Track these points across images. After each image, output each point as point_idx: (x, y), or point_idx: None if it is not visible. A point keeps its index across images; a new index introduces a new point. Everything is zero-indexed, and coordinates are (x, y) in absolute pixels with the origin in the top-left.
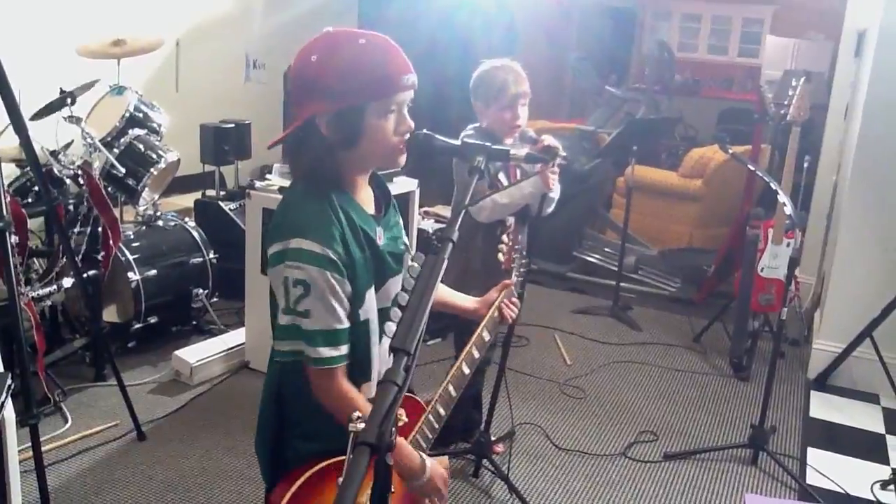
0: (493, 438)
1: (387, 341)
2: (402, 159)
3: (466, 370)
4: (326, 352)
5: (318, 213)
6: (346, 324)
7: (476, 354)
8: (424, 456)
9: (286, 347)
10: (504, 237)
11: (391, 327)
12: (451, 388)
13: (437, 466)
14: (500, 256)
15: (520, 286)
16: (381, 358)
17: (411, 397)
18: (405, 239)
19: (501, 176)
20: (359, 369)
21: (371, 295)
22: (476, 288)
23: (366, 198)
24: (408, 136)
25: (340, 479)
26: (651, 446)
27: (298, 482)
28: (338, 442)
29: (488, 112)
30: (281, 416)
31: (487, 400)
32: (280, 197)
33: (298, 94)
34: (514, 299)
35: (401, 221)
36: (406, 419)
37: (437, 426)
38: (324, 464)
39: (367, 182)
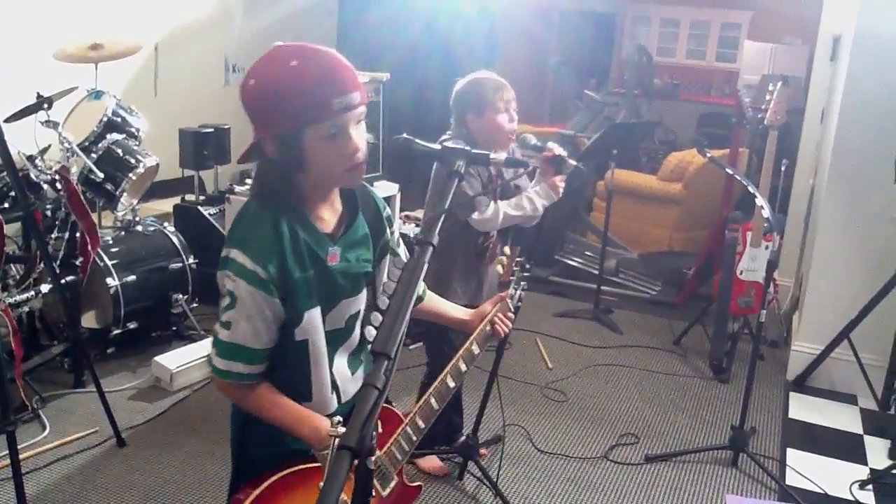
0: (479, 442)
1: (342, 361)
2: (357, 179)
3: (451, 383)
4: (223, 364)
5: (258, 230)
6: (263, 345)
7: (463, 368)
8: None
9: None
10: (506, 248)
11: (371, 331)
12: (433, 400)
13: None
14: (499, 268)
15: (517, 300)
16: (340, 376)
17: (388, 408)
18: (397, 244)
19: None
20: (294, 390)
21: (313, 316)
22: (454, 294)
23: (328, 215)
24: (358, 156)
25: (321, 484)
26: (632, 449)
27: (262, 486)
28: (301, 443)
29: (481, 121)
30: (245, 418)
31: (468, 403)
32: None
33: (248, 116)
34: (508, 314)
35: (386, 233)
36: (380, 429)
37: (415, 439)
38: (290, 470)
39: (333, 199)
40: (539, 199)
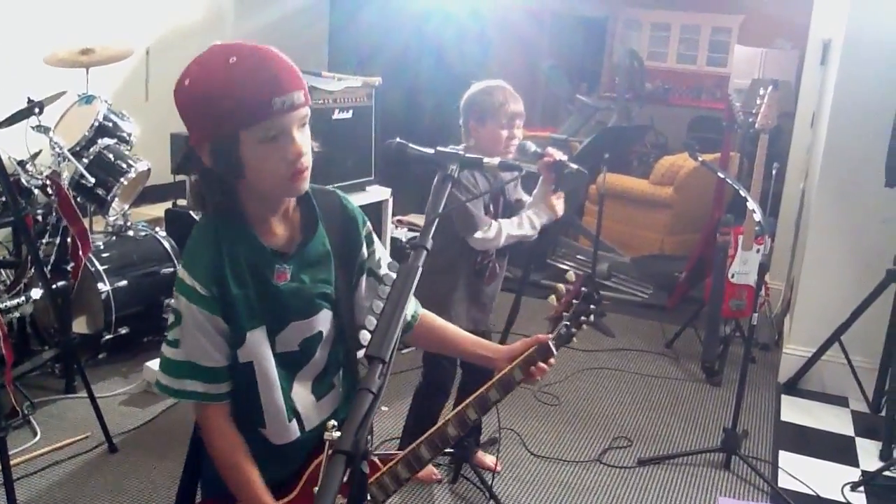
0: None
1: (304, 386)
2: (300, 187)
3: (452, 432)
4: (175, 383)
5: (200, 248)
6: (216, 363)
7: (473, 416)
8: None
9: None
10: (570, 274)
11: (365, 335)
12: (424, 450)
13: None
14: (552, 300)
15: (564, 339)
16: (301, 402)
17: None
18: (378, 266)
19: (488, 198)
20: (245, 416)
21: (256, 337)
22: (457, 318)
23: (281, 230)
24: (302, 161)
25: (316, 489)
26: (625, 452)
27: None
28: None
29: (482, 130)
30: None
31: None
32: None
33: (183, 121)
34: (551, 360)
35: (361, 251)
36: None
37: (397, 487)
38: None
39: (287, 211)
40: (538, 219)
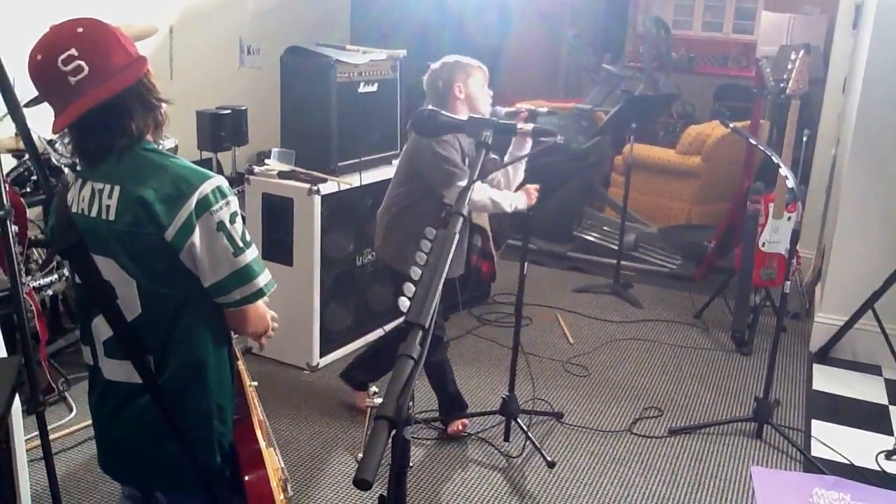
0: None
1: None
2: None
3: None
4: (266, 276)
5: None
6: None
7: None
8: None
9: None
10: None
11: (404, 302)
12: None
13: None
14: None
15: None
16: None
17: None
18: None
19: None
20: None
21: None
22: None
23: None
24: None
25: (359, 455)
26: (656, 422)
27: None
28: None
29: (470, 90)
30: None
31: (490, 376)
32: (280, 182)
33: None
34: None
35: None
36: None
37: None
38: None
39: None
40: (514, 203)
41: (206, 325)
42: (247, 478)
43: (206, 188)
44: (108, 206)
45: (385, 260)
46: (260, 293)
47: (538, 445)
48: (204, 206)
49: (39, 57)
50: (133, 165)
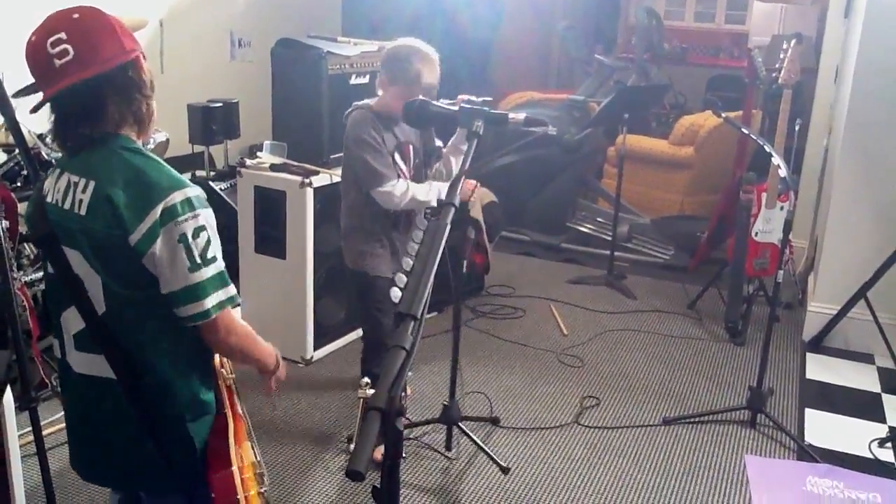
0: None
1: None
2: None
3: None
4: (227, 291)
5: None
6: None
7: None
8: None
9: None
10: None
11: (396, 293)
12: None
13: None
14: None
15: None
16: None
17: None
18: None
19: (397, 157)
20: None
21: None
22: (382, 262)
23: None
24: None
25: (351, 446)
26: (650, 412)
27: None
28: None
29: (392, 89)
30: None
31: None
32: (272, 175)
33: None
34: None
35: None
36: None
37: None
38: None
39: None
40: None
41: (176, 329)
42: (213, 475)
43: (175, 197)
44: (80, 201)
45: (346, 261)
46: (205, 314)
47: (488, 450)
48: (170, 215)
49: (33, 38)
50: (109, 163)
